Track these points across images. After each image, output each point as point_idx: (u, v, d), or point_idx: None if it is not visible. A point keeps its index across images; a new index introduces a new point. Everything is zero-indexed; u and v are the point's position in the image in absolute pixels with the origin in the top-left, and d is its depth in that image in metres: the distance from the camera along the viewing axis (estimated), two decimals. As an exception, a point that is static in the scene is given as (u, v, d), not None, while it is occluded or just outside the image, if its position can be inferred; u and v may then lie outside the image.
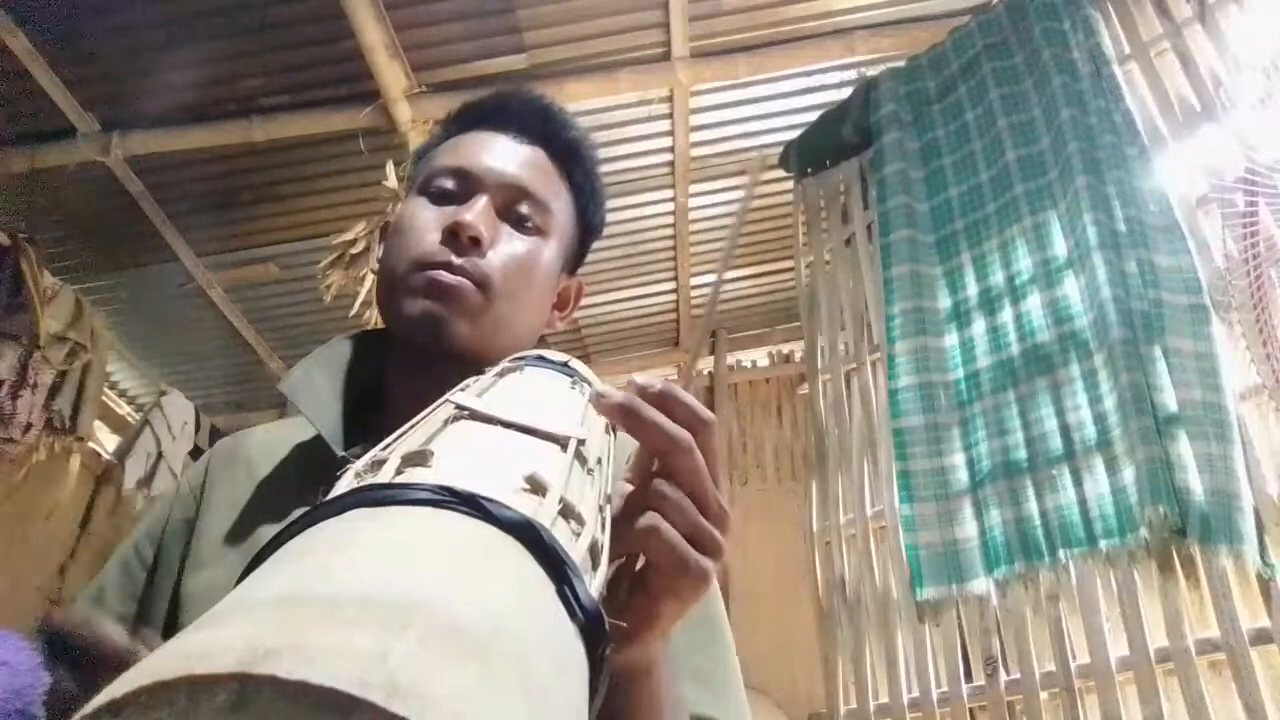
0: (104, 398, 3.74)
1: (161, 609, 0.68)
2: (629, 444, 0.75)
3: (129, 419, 4.03)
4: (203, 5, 2.48)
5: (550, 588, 0.32)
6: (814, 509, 2.27)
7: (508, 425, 0.43)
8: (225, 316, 3.61)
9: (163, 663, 0.21)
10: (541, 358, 0.55)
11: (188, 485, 0.76)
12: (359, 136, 2.79)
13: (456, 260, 0.70)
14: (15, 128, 2.77)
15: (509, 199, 0.75)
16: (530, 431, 0.43)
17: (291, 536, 0.32)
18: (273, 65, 2.69)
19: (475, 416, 0.43)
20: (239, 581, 0.30)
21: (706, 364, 4.15)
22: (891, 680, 1.97)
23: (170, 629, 0.67)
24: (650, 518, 0.44)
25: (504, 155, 0.76)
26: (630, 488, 0.47)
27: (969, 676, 1.89)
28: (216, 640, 0.21)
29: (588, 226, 0.85)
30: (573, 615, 0.32)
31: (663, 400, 0.46)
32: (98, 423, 3.67)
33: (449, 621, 0.24)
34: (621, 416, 0.46)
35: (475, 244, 0.70)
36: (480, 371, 0.54)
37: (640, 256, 3.56)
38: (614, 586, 0.46)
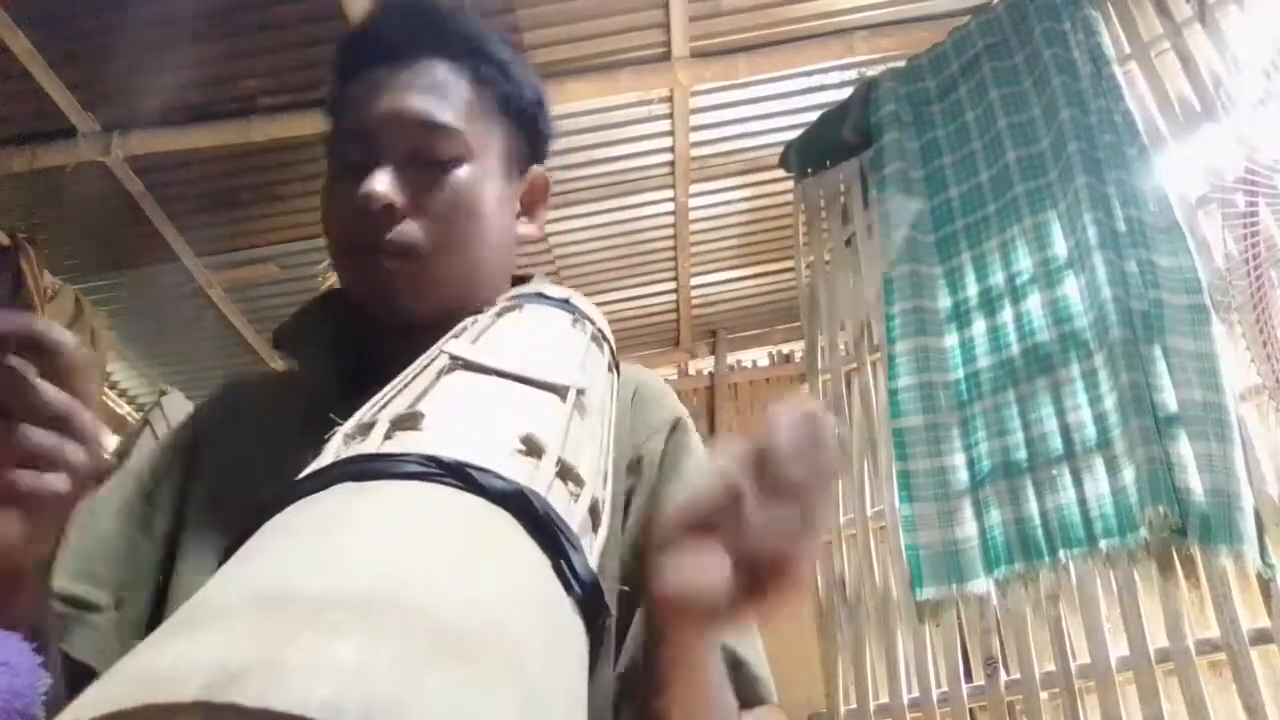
0: (104, 398, 3.73)
1: (161, 537, 0.68)
2: (634, 378, 0.72)
3: (129, 419, 4.03)
4: (203, 5, 2.48)
5: (546, 564, 0.31)
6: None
7: (504, 375, 0.41)
8: (225, 316, 3.61)
9: (125, 687, 0.19)
10: (541, 294, 0.53)
11: (191, 420, 0.75)
12: (359, 136, 2.78)
13: (377, 238, 0.65)
14: (15, 128, 2.77)
15: (412, 144, 0.67)
16: (527, 381, 0.41)
17: (277, 510, 0.30)
18: (273, 65, 2.69)
19: (470, 367, 0.41)
20: (226, 555, 0.29)
21: (706, 364, 4.15)
22: (891, 680, 1.97)
23: (168, 569, 0.66)
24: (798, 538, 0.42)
25: (389, 96, 0.68)
26: (732, 469, 0.44)
27: (969, 676, 1.89)
28: (185, 658, 0.20)
29: (524, 112, 0.75)
30: (569, 589, 0.31)
31: (812, 428, 0.43)
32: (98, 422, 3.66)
33: (437, 621, 0.22)
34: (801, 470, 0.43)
35: (390, 212, 0.65)
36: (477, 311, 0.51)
37: (640, 256, 3.56)
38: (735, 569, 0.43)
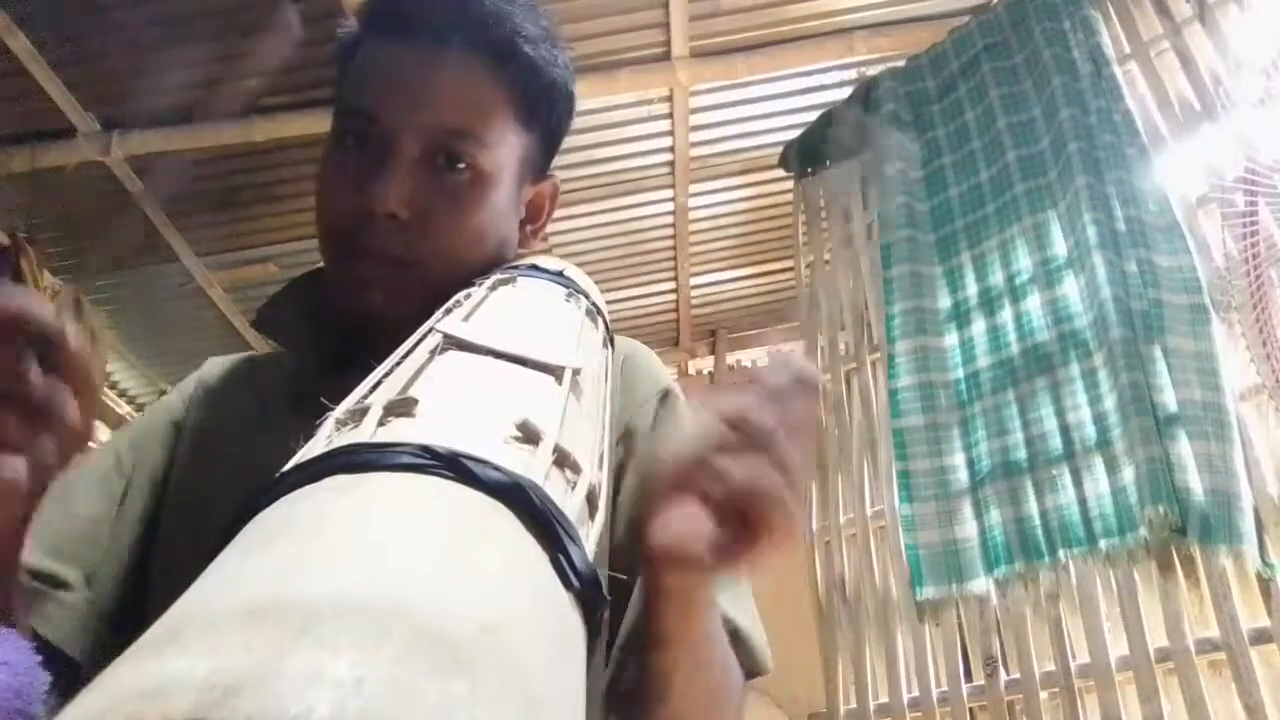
0: (104, 398, 3.74)
1: (138, 512, 0.67)
2: (623, 348, 0.72)
3: (129, 419, 4.03)
4: (203, 5, 2.48)
5: (544, 558, 0.30)
6: (814, 509, 2.27)
7: (498, 355, 0.40)
8: (225, 316, 3.61)
9: (112, 702, 0.19)
10: (535, 267, 0.52)
11: (178, 396, 0.74)
12: (359, 136, 2.78)
13: (372, 242, 0.63)
14: (15, 128, 2.77)
15: (431, 142, 0.64)
16: (522, 361, 0.40)
17: (270, 501, 0.30)
18: (273, 65, 2.69)
19: (463, 346, 0.40)
20: (214, 549, 0.28)
21: (706, 364, 4.15)
22: (891, 680, 1.97)
23: (146, 549, 0.66)
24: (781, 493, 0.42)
25: (419, 85, 0.64)
26: (722, 426, 0.44)
27: (969, 676, 1.89)
28: (175, 672, 0.19)
29: (550, 123, 0.72)
30: (567, 584, 0.31)
31: (790, 375, 0.44)
32: (98, 423, 3.66)
33: (432, 629, 0.22)
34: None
35: (393, 218, 0.63)
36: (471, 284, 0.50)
37: (640, 256, 3.55)
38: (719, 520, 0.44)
